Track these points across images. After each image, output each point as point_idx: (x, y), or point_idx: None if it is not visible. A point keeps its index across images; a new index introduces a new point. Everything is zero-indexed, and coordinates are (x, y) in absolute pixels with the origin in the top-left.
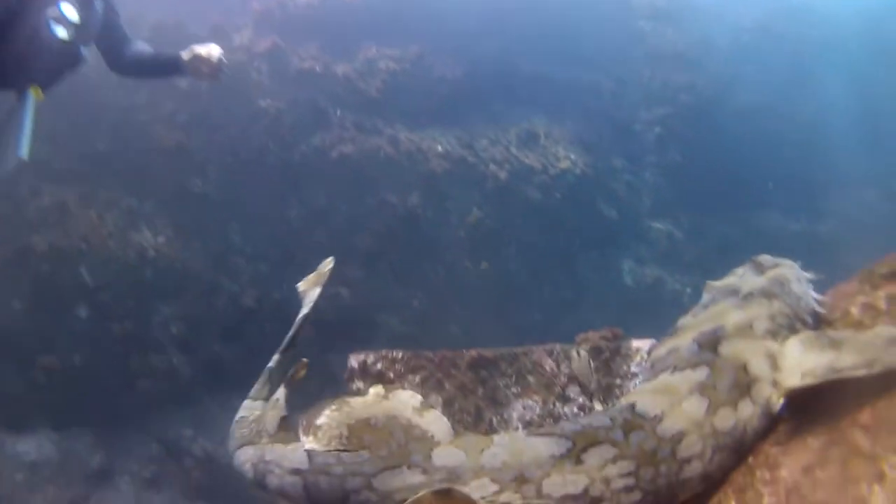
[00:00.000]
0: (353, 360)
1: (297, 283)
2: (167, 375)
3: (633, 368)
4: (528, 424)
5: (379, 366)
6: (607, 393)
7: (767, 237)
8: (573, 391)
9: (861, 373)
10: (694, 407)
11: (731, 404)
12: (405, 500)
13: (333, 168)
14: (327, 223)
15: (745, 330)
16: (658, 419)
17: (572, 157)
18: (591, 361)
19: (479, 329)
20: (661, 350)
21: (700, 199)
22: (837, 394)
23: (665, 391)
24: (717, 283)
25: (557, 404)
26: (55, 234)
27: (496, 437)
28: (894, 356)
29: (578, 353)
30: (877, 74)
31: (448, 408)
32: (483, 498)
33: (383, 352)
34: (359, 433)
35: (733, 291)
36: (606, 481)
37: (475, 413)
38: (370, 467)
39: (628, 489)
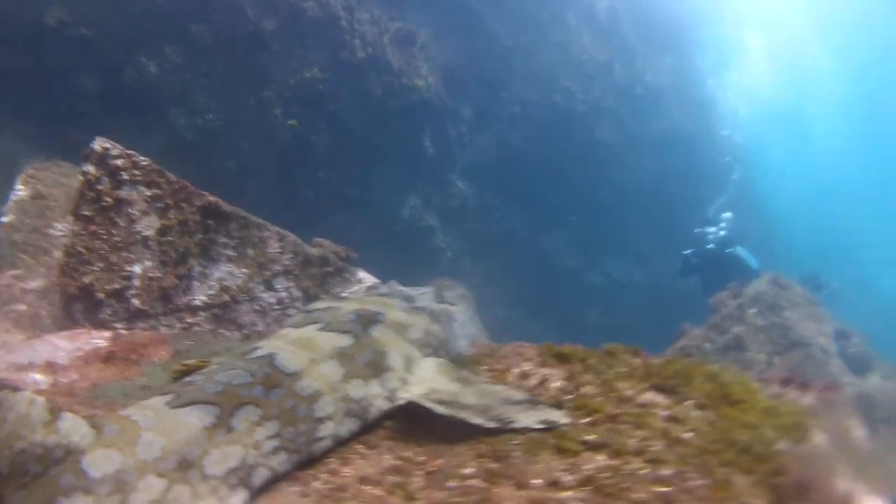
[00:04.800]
0: (98, 143)
1: None
2: None
3: (345, 294)
4: (223, 290)
5: (119, 162)
6: (310, 301)
7: (545, 252)
8: (281, 283)
9: (472, 420)
10: (331, 371)
11: (363, 378)
12: None
13: None
14: None
15: (401, 328)
16: (297, 377)
17: (430, 80)
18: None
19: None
20: (320, 304)
21: (513, 191)
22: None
23: (307, 346)
24: (399, 287)
25: (260, 287)
26: None
27: (138, 417)
28: (501, 411)
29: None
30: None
31: (160, 235)
32: (153, 501)
33: (131, 152)
34: None
35: (407, 298)
36: (257, 446)
37: (181, 254)
38: None
39: (276, 450)
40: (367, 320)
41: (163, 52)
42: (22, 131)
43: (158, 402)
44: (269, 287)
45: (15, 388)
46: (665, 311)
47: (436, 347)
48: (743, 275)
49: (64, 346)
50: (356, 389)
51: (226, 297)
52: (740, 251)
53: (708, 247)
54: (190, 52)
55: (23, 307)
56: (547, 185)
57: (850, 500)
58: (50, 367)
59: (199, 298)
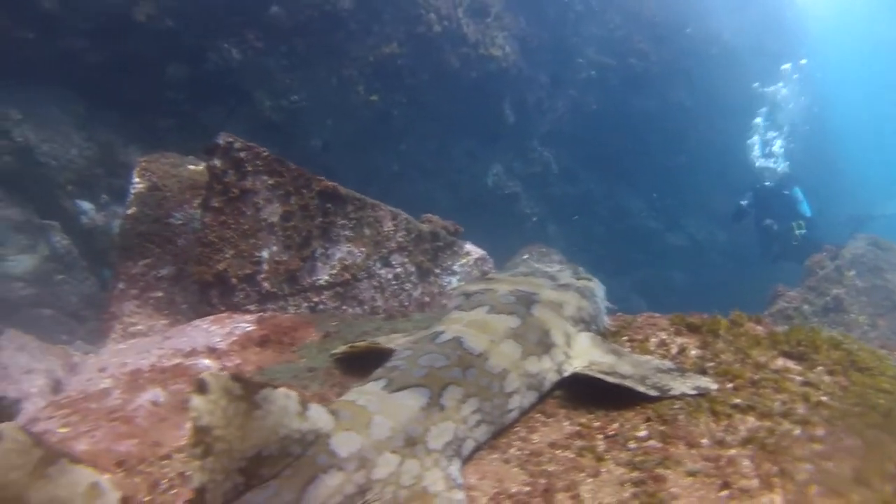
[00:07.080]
0: (222, 138)
1: None
2: None
3: (456, 267)
4: (344, 269)
5: (242, 154)
6: (423, 275)
7: (624, 215)
8: (397, 259)
9: (637, 388)
10: (511, 349)
11: (537, 355)
12: None
13: None
14: None
15: (556, 306)
16: (484, 357)
17: (507, 49)
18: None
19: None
20: (474, 287)
21: (592, 155)
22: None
23: (484, 328)
24: (536, 265)
25: (378, 264)
26: None
27: (364, 402)
28: (656, 379)
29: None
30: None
31: (284, 221)
32: (391, 474)
33: (252, 144)
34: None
35: (551, 277)
36: (465, 421)
37: (304, 237)
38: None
39: (478, 423)
40: (526, 301)
41: (244, 38)
42: (109, 120)
43: (374, 387)
44: (386, 264)
45: (274, 385)
46: (750, 271)
47: (587, 322)
48: (792, 219)
49: (216, 330)
50: (533, 365)
51: (347, 276)
52: (798, 193)
53: (765, 184)
54: (269, 35)
55: (159, 294)
56: (624, 147)
57: None
58: (213, 352)
59: (323, 278)
